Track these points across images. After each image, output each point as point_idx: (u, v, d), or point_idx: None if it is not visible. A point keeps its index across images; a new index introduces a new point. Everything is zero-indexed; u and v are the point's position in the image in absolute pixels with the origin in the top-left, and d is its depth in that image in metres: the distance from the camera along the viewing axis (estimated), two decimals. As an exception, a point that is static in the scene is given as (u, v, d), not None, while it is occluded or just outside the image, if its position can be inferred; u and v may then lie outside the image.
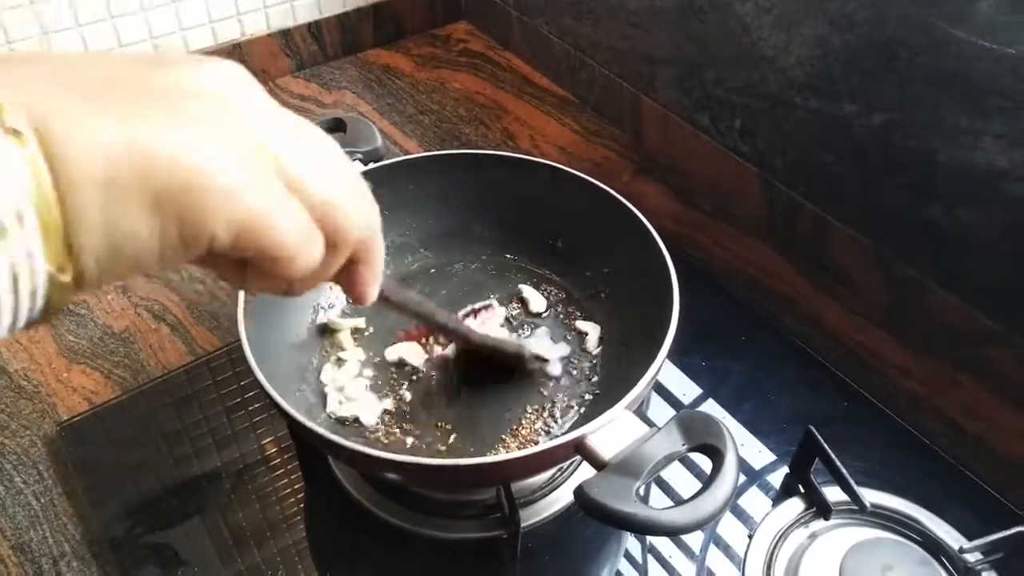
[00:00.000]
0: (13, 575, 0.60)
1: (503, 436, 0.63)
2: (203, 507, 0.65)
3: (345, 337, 0.70)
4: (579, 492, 0.47)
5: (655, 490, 0.66)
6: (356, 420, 0.64)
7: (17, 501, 0.65)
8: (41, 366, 0.76)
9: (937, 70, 0.65)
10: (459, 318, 0.69)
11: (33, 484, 0.67)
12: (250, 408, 0.72)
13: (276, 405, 0.53)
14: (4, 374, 0.75)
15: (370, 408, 0.64)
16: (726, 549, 0.62)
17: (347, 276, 0.34)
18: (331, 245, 0.31)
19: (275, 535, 0.63)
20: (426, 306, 0.57)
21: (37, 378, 0.75)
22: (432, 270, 0.76)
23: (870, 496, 0.61)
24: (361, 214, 0.31)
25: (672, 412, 0.72)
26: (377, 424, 0.64)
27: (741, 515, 0.64)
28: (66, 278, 0.24)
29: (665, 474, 0.66)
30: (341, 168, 0.31)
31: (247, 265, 0.29)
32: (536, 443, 0.62)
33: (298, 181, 0.28)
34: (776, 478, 0.67)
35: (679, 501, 0.47)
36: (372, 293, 0.36)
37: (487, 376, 0.67)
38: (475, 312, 0.72)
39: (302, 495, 0.66)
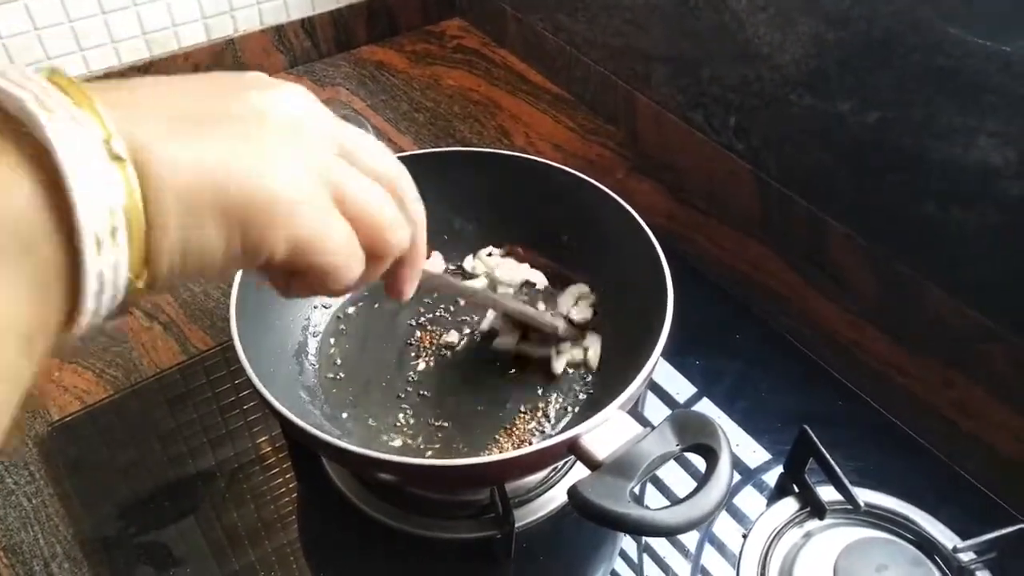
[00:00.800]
0: (4, 576, 0.60)
1: (496, 436, 0.63)
2: (197, 506, 0.65)
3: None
4: (572, 492, 0.47)
5: (651, 489, 0.66)
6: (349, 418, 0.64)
7: (8, 502, 0.65)
8: (33, 365, 0.75)
9: (931, 68, 0.65)
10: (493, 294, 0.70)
11: (24, 485, 0.66)
12: (245, 407, 0.71)
13: (268, 404, 0.53)
14: (-5, 373, 0.74)
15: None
16: (721, 548, 0.62)
17: (388, 276, 0.38)
18: (375, 258, 0.34)
19: (270, 534, 0.63)
20: (456, 284, 0.63)
21: (29, 377, 0.74)
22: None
23: (864, 495, 0.61)
24: (404, 229, 0.35)
25: (667, 411, 0.71)
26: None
27: (736, 514, 0.64)
28: (141, 284, 0.27)
29: (661, 473, 0.66)
30: (392, 181, 0.34)
31: (293, 275, 0.32)
32: (530, 443, 0.62)
33: (351, 205, 0.31)
34: (771, 477, 0.67)
35: (675, 500, 0.47)
36: (409, 291, 0.40)
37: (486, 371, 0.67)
38: None
39: (296, 495, 0.66)
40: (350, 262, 0.32)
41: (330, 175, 0.31)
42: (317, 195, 0.30)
